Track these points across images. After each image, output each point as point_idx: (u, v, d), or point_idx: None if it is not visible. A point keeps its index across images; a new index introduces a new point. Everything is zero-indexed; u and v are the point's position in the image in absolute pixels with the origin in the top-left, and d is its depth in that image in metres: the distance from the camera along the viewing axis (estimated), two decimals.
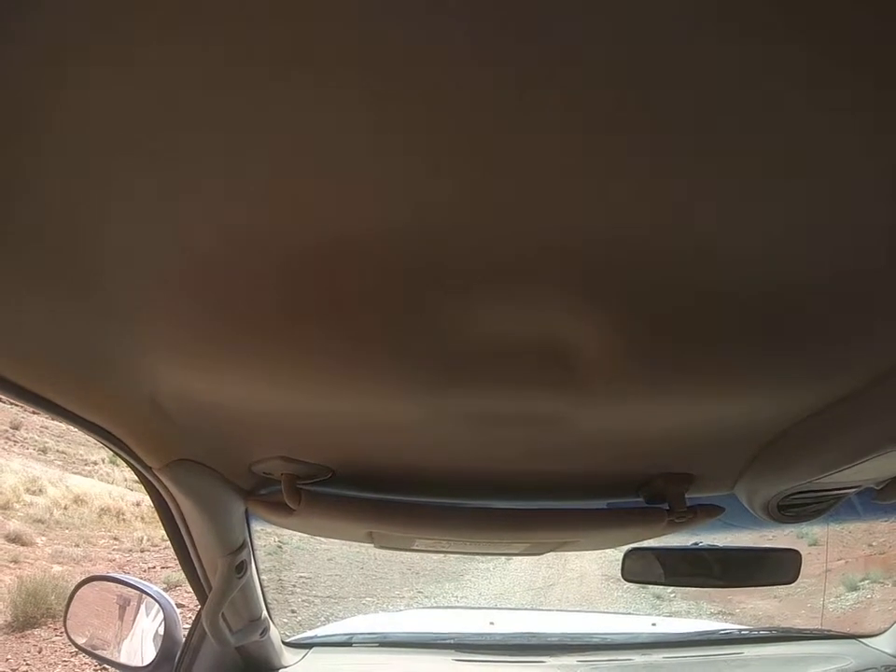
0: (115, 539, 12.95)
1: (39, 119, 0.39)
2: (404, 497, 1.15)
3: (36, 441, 20.77)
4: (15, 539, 11.39)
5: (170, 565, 11.10)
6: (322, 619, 7.87)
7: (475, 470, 1.04)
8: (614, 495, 1.17)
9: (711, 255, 0.51)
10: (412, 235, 0.48)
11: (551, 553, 1.39)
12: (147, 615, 1.77)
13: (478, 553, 1.42)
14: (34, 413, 23.99)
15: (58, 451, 20.53)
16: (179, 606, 1.76)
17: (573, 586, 9.79)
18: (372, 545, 1.31)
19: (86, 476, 18.42)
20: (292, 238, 0.48)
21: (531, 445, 0.92)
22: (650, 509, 1.17)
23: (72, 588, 1.83)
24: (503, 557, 11.80)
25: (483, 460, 1.00)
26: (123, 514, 14.66)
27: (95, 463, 20.27)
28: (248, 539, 1.36)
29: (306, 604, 8.81)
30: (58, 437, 21.87)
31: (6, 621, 7.84)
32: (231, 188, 0.44)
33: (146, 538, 12.84)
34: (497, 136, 0.39)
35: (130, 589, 1.81)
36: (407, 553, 1.39)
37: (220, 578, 1.27)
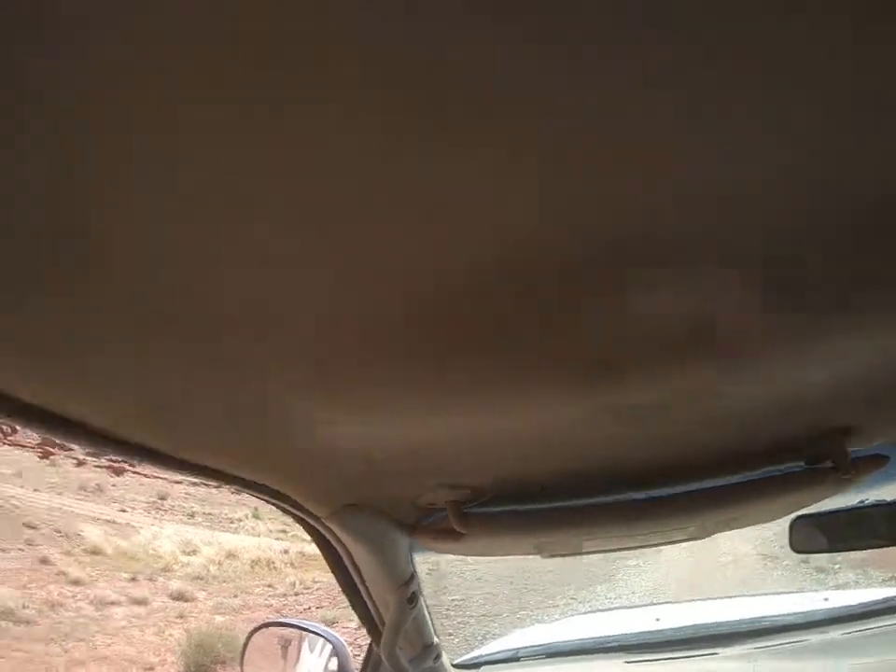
0: (269, 586, 13.50)
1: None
2: (566, 502, 1.13)
3: (184, 507, 22.00)
4: (178, 596, 12.16)
5: (324, 604, 11.44)
6: (479, 637, 7.87)
7: (632, 461, 1.03)
8: (774, 462, 1.12)
9: (856, 174, 0.45)
10: (558, 240, 0.45)
11: (709, 536, 1.34)
12: (317, 653, 1.80)
13: (645, 546, 1.39)
14: (177, 482, 25.46)
15: (204, 513, 21.68)
16: None
17: (728, 571, 9.45)
18: (539, 556, 1.31)
19: (233, 533, 19.30)
20: (446, 262, 0.46)
21: (686, 426, 0.90)
22: (813, 470, 1.10)
23: (242, 636, 1.90)
24: (651, 550, 11.59)
25: (640, 449, 0.98)
26: (273, 563, 15.30)
27: (240, 520, 21.28)
28: (414, 570, 1.37)
29: (461, 625, 8.86)
30: (202, 501, 23.10)
31: (179, 671, 8.41)
32: (369, 217, 0.41)
33: (298, 582, 13.35)
34: (623, 128, 0.36)
35: (298, 630, 1.85)
36: (551, 560, 1.38)
37: (394, 611, 1.29)
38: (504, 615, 9.08)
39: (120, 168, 0.36)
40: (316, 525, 1.10)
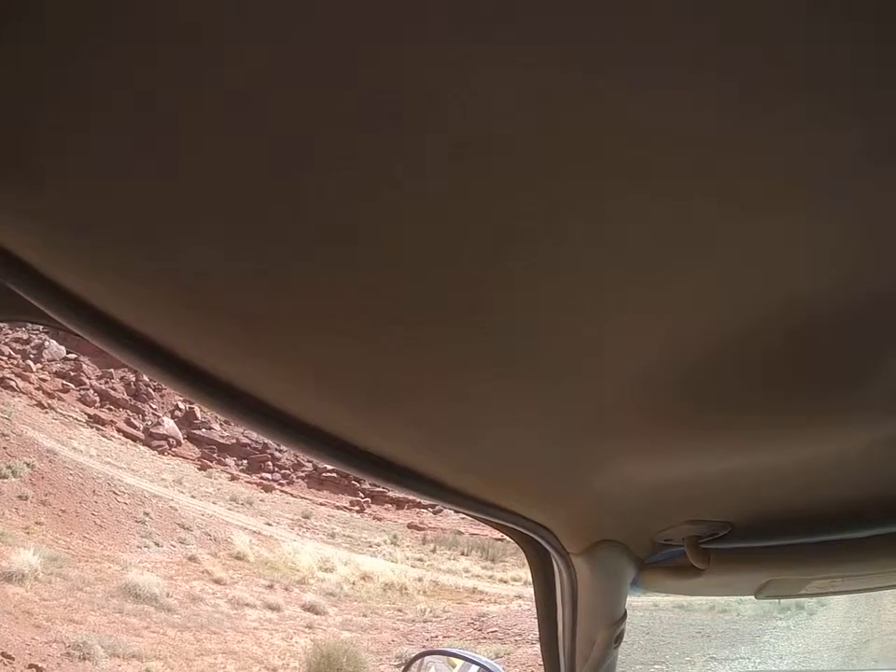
0: (399, 610, 13.68)
1: None
2: (799, 539, 1.08)
3: (325, 527, 22.92)
4: (310, 608, 12.64)
5: (451, 634, 11.43)
6: None
7: (877, 495, 0.95)
8: None
9: None
10: (840, 291, 0.47)
11: None
12: None
13: (871, 589, 1.35)
14: (321, 504, 26.68)
15: (344, 535, 22.44)
16: None
17: (892, 641, 8.53)
18: (754, 597, 1.27)
19: (371, 556, 19.75)
20: (738, 317, 0.49)
21: None
22: None
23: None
24: (804, 613, 10.76)
25: (885, 482, 0.90)
26: (406, 589, 15.50)
27: (378, 545, 21.91)
28: (625, 609, 1.33)
29: None
30: (343, 524, 24.10)
31: None
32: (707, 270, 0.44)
33: (428, 609, 13.46)
34: None
35: (460, 661, 1.87)
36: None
37: (599, 649, 1.24)
38: (636, 666, 8.66)
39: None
40: (558, 560, 1.10)
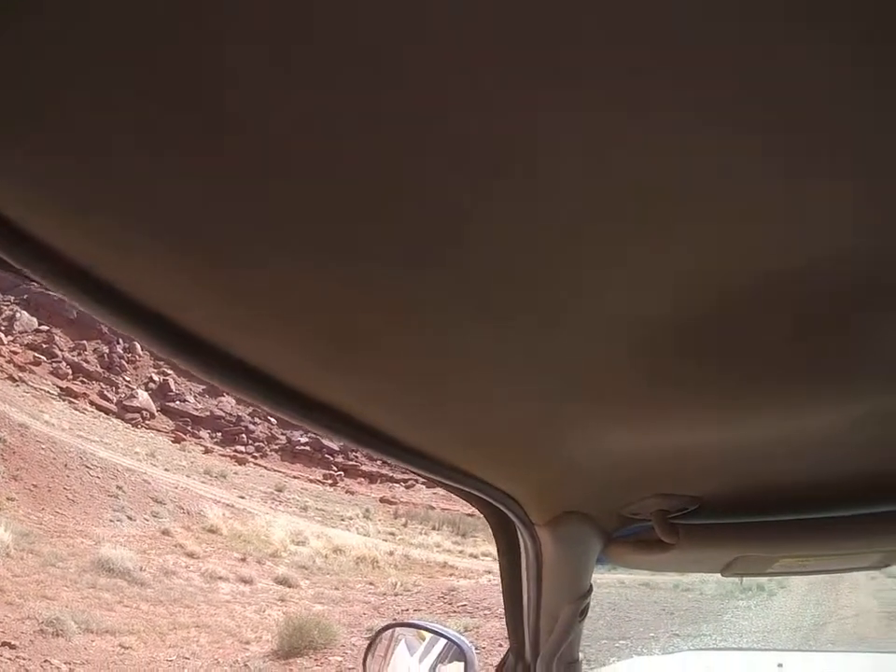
0: (370, 583, 13.75)
1: None
2: (769, 517, 1.08)
3: (298, 500, 22.91)
4: (282, 581, 12.71)
5: (421, 608, 11.52)
6: None
7: (848, 475, 0.94)
8: None
9: None
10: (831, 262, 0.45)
11: None
12: (443, 657, 1.80)
13: (838, 570, 1.35)
14: (294, 477, 26.61)
15: (317, 508, 22.44)
16: None
17: (847, 625, 8.78)
18: (721, 574, 1.27)
19: (343, 529, 19.82)
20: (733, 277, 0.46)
21: None
22: None
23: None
24: (764, 594, 10.93)
25: (857, 461, 0.89)
26: (378, 562, 15.60)
27: (351, 518, 21.96)
28: (591, 583, 1.32)
29: None
30: (316, 497, 24.08)
31: (272, 649, 8.81)
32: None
33: (399, 583, 13.51)
34: None
35: (427, 633, 1.87)
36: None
37: (564, 623, 1.24)
38: (602, 641, 8.84)
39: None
40: (523, 531, 1.08)
